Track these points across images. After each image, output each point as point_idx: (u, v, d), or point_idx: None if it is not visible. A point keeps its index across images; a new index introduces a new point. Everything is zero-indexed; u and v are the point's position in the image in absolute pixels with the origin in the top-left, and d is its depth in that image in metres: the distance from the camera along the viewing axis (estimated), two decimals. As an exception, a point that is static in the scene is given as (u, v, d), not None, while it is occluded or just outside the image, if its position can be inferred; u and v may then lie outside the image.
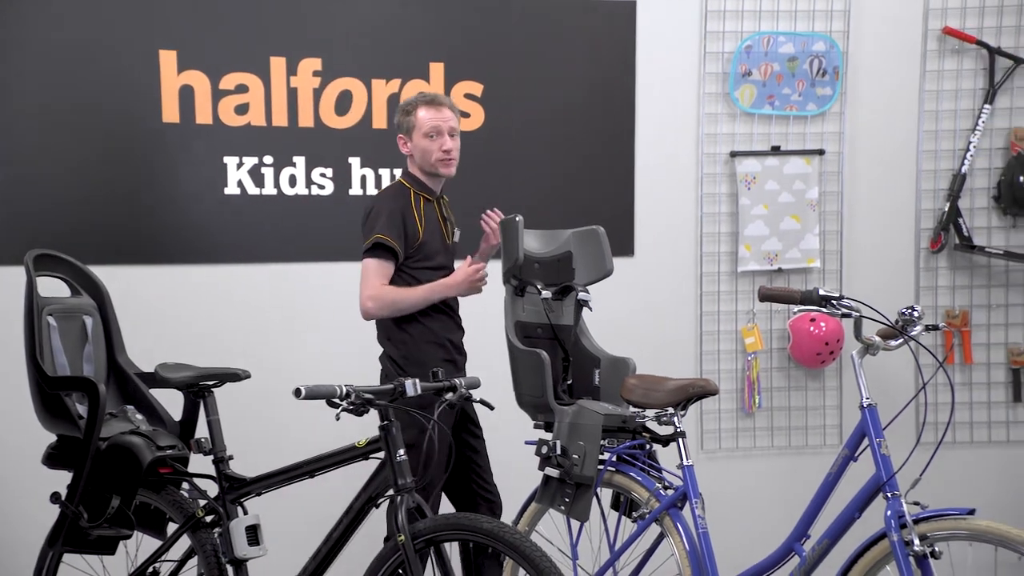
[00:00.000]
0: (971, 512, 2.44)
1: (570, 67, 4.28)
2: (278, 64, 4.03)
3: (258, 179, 4.05)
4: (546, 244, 3.35)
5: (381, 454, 2.67)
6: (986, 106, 4.33)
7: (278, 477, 2.85)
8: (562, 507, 2.98)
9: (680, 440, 2.95)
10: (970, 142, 4.33)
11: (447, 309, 3.34)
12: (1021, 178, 4.28)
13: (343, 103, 4.11)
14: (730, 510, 4.27)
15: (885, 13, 4.37)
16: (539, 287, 3.23)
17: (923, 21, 4.38)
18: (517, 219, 3.24)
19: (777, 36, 4.32)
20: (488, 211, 3.54)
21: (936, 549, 2.43)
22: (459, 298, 3.38)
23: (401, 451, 2.63)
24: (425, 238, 3.29)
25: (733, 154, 4.35)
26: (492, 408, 2.82)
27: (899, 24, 4.39)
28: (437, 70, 4.18)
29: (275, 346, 4.05)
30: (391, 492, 2.63)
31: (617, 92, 4.33)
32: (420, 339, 3.27)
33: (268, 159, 4.06)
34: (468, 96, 4.22)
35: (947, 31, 4.36)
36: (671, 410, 2.97)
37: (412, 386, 2.62)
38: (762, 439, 4.41)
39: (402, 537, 2.53)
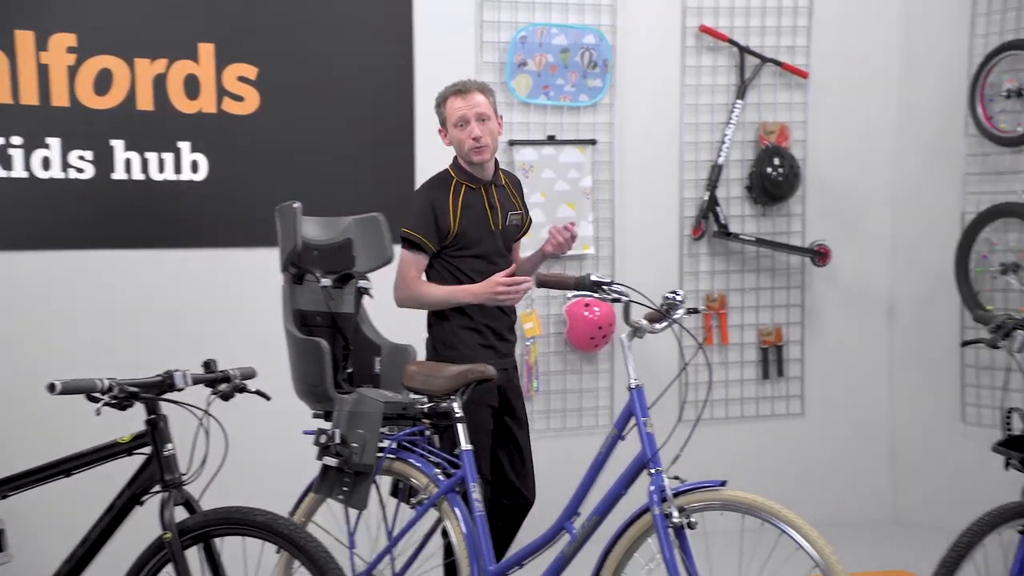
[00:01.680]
0: (723, 484, 2.62)
1: (348, 52, 4.24)
2: (25, 38, 3.74)
3: (5, 161, 3.76)
4: (325, 231, 3.31)
5: (147, 449, 2.56)
6: (738, 101, 4.64)
7: (29, 478, 2.66)
8: (340, 496, 2.96)
9: (459, 425, 2.98)
10: (725, 135, 4.62)
11: None
12: (768, 170, 4.62)
13: (103, 82, 3.88)
14: (509, 491, 4.37)
15: (647, 9, 4.59)
16: (318, 275, 3.19)
17: (681, 18, 4.63)
18: (295, 205, 3.18)
19: (550, 28, 4.44)
20: (561, 225, 3.41)
21: (692, 520, 2.59)
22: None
23: (169, 445, 2.53)
24: (461, 228, 3.29)
25: (511, 143, 4.44)
26: (268, 398, 2.75)
27: (660, 20, 4.62)
28: (207, 51, 4.02)
29: (29, 339, 3.79)
30: (158, 488, 2.53)
31: (396, 79, 4.32)
32: (455, 323, 3.31)
33: (16, 140, 3.77)
34: (242, 79, 4.09)
35: (702, 29, 4.63)
36: (451, 396, 3.00)
37: (181, 377, 2.53)
38: (539, 422, 4.55)
39: (168, 534, 2.45)
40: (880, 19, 4.84)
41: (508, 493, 3.38)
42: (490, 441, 3.29)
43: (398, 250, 3.32)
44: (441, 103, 3.35)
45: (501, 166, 3.49)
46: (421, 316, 4.31)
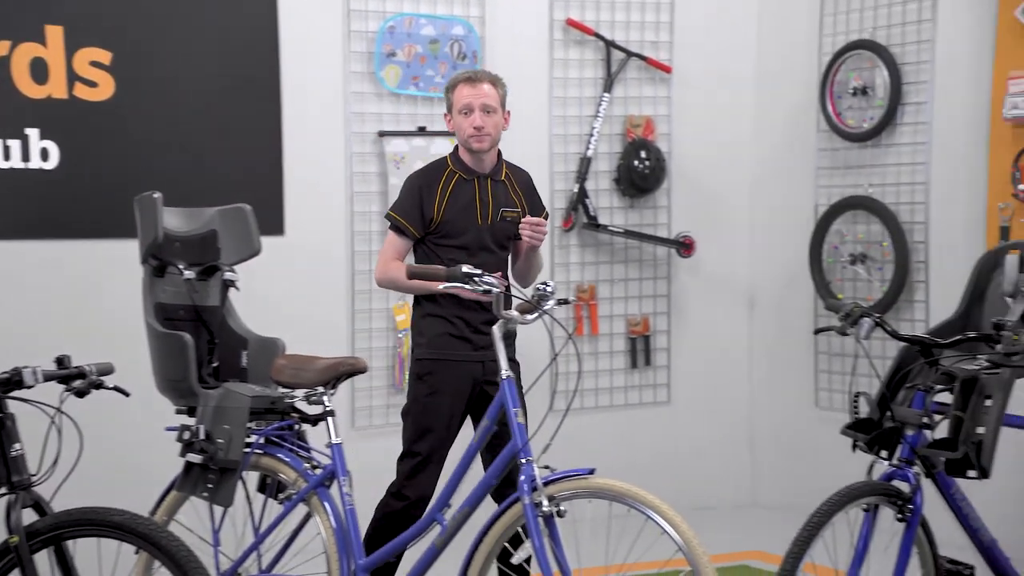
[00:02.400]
0: (591, 472, 2.67)
1: (210, 39, 4.12)
2: None
3: None
4: (188, 222, 3.26)
5: None
6: (605, 95, 4.72)
7: None
8: (205, 494, 2.90)
9: (329, 419, 2.96)
10: (593, 128, 4.70)
11: None
12: (635, 162, 4.72)
13: (-61, 64, 3.67)
14: (382, 486, 4.35)
15: (515, 1, 4.61)
16: (181, 267, 3.12)
17: (549, 11, 4.68)
18: (155, 195, 3.10)
19: (419, 18, 4.42)
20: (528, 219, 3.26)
21: (562, 508, 2.63)
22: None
23: (17, 445, 2.41)
24: (446, 217, 3.21)
25: (381, 134, 4.41)
26: (127, 395, 2.66)
27: (528, 13, 4.65)
28: (55, 34, 3.85)
29: None
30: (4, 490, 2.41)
31: (261, 67, 4.23)
32: (425, 309, 3.25)
33: None
34: (95, 64, 3.93)
35: (569, 22, 4.69)
36: (321, 389, 2.98)
37: (31, 374, 2.42)
38: (411, 413, 4.52)
39: (15, 538, 2.34)
40: (738, 17, 5.00)
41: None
42: (451, 429, 3.21)
43: (264, 241, 3.27)
44: (451, 88, 3.28)
45: (507, 159, 3.37)
46: (290, 309, 4.26)
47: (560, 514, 2.62)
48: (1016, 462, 3.40)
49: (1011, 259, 2.94)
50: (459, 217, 3.22)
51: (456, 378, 3.17)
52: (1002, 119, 3.95)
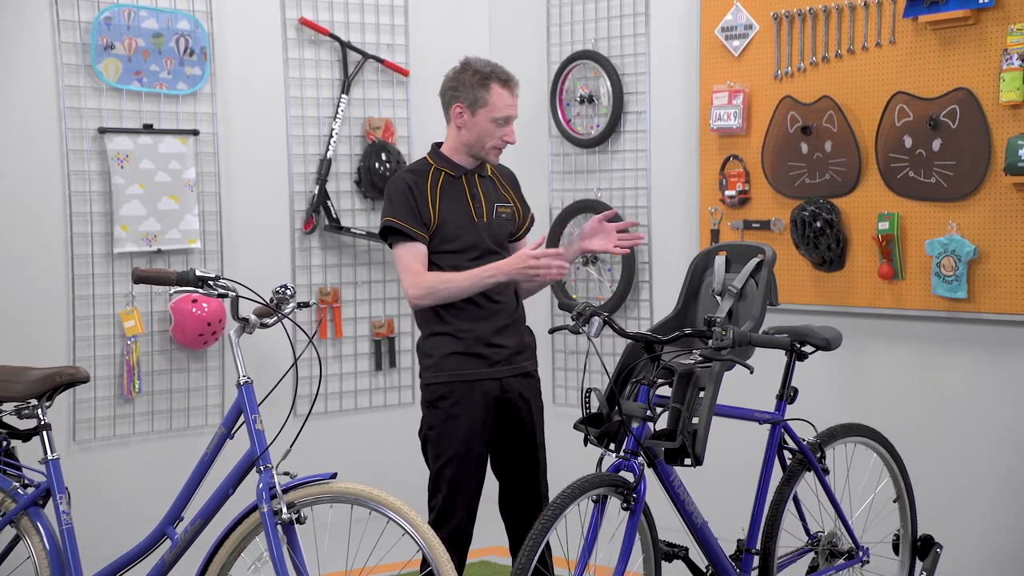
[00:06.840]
0: (333, 476, 2.65)
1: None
2: None
3: None
4: None
5: None
6: (344, 96, 4.69)
7: None
8: None
9: (45, 433, 2.80)
10: (332, 129, 4.66)
11: (475, 297, 2.96)
12: (376, 164, 4.72)
13: None
14: (107, 501, 4.12)
15: (245, -3, 4.51)
16: None
17: (280, 9, 4.58)
18: None
19: (138, 10, 4.20)
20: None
21: (302, 514, 2.60)
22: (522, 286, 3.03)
23: None
24: (442, 219, 2.97)
25: (102, 130, 4.16)
26: None
27: (259, 10, 4.54)
28: None
29: None
30: None
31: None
32: (432, 330, 3.00)
33: None
34: None
35: (303, 22, 4.62)
36: (34, 402, 2.82)
37: None
38: (142, 424, 4.31)
39: None
40: (470, 23, 5.10)
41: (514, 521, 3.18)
42: (473, 454, 3.03)
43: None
44: (484, 84, 3.00)
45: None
46: (1, 316, 3.93)
47: (300, 520, 2.59)
48: (725, 450, 3.68)
49: (719, 260, 3.18)
50: (454, 218, 3.01)
51: (472, 399, 2.99)
52: (709, 129, 4.29)
